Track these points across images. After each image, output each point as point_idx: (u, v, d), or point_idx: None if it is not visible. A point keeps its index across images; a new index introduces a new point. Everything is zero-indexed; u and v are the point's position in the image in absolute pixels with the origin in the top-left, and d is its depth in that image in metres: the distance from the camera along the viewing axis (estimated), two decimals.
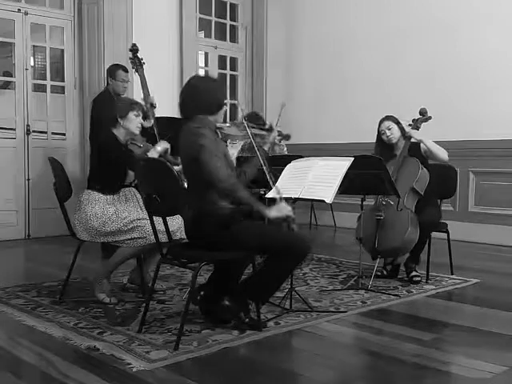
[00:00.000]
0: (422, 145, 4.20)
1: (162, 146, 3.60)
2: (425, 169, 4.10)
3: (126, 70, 5.21)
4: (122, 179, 3.55)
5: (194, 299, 3.06)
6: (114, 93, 5.08)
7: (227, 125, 3.16)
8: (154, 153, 3.53)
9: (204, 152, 2.77)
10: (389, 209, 4.07)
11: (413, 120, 4.31)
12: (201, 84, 2.98)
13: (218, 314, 3.02)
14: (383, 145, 4.29)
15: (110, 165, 3.45)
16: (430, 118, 4.31)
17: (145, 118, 4.67)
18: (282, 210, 2.83)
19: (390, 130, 4.22)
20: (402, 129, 4.25)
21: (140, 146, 3.70)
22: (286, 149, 5.07)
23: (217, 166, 2.76)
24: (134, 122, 3.54)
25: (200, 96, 2.92)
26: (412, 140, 4.17)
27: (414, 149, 4.17)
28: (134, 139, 3.68)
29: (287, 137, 4.20)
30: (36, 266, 4.81)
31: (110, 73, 5.19)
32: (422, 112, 4.30)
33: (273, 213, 2.82)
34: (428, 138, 4.21)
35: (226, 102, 3.09)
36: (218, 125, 3.04)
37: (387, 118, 4.29)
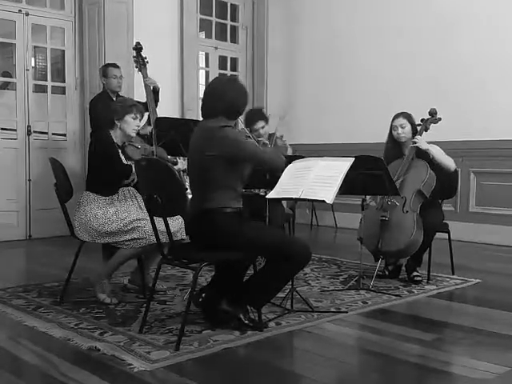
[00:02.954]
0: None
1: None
2: (432, 172, 4.06)
3: (116, 66, 5.22)
4: (119, 180, 3.54)
5: (196, 302, 3.05)
6: (111, 92, 5.09)
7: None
8: None
9: (240, 145, 2.85)
10: (394, 210, 4.03)
11: (421, 120, 4.25)
12: (230, 87, 2.97)
13: (216, 317, 3.01)
14: (393, 142, 4.24)
15: (106, 165, 3.44)
16: (439, 119, 4.23)
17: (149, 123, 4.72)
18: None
19: (403, 128, 4.16)
20: (414, 129, 4.20)
21: (138, 147, 3.69)
22: (290, 149, 4.98)
23: (257, 152, 2.91)
24: (130, 125, 3.52)
25: (226, 100, 2.90)
26: (417, 145, 4.09)
27: (422, 151, 4.12)
28: (131, 141, 3.66)
29: (272, 134, 4.25)
30: (37, 266, 4.81)
31: (102, 73, 5.22)
32: (432, 112, 4.23)
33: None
34: (429, 137, 4.21)
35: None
36: None
37: (402, 114, 4.21)
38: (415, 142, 4.11)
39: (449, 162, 4.10)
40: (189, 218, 2.97)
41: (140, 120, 3.61)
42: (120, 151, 3.55)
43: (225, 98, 2.91)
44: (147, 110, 5.24)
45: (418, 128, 4.22)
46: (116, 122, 3.50)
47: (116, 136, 3.53)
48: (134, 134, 3.57)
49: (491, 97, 5.93)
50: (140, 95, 5.50)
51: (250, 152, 2.88)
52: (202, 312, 3.08)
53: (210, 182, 2.87)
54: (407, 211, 4.01)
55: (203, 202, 2.89)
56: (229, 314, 2.95)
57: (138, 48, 5.20)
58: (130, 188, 3.58)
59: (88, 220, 3.38)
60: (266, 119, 4.60)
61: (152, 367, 2.44)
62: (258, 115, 4.60)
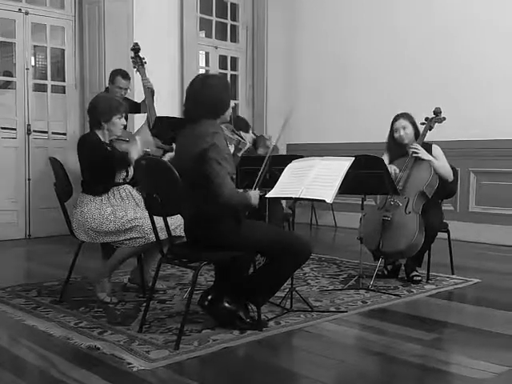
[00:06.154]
0: (433, 148, 4.15)
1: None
2: (435, 173, 4.05)
3: (125, 77, 5.16)
4: (111, 178, 3.53)
5: (202, 304, 3.02)
6: None
7: (224, 127, 3.16)
8: (134, 153, 3.48)
9: (215, 161, 2.72)
10: (396, 210, 4.02)
11: (426, 119, 4.24)
12: (205, 85, 2.87)
13: (219, 316, 3.01)
14: (394, 142, 4.22)
15: (98, 165, 3.45)
16: (444, 118, 4.23)
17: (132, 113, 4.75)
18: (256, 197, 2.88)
19: (404, 129, 4.14)
20: (416, 129, 4.19)
21: (126, 140, 3.70)
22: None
23: (225, 182, 2.72)
24: (117, 126, 3.56)
25: (206, 99, 2.83)
26: (418, 156, 4.06)
27: (426, 150, 4.11)
28: (120, 136, 3.69)
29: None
30: (36, 265, 4.81)
31: (110, 77, 5.22)
32: (437, 112, 4.22)
33: (254, 201, 2.85)
34: (430, 137, 4.21)
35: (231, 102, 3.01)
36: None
37: (403, 116, 4.18)
38: (416, 153, 4.06)
39: (448, 176, 4.10)
40: (187, 219, 2.96)
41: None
42: (109, 148, 3.57)
43: (207, 97, 2.83)
44: (144, 111, 5.26)
45: (422, 127, 4.21)
46: (103, 123, 3.51)
47: (103, 135, 3.56)
48: (120, 133, 3.62)
49: (491, 97, 5.93)
50: (139, 94, 5.51)
51: (218, 174, 2.72)
52: (207, 313, 3.05)
53: (204, 184, 2.83)
54: (409, 212, 3.99)
55: (201, 202, 2.88)
56: (230, 312, 2.95)
57: (136, 48, 5.22)
58: (125, 186, 3.58)
59: (85, 221, 3.39)
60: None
61: (151, 366, 2.45)
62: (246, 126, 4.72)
